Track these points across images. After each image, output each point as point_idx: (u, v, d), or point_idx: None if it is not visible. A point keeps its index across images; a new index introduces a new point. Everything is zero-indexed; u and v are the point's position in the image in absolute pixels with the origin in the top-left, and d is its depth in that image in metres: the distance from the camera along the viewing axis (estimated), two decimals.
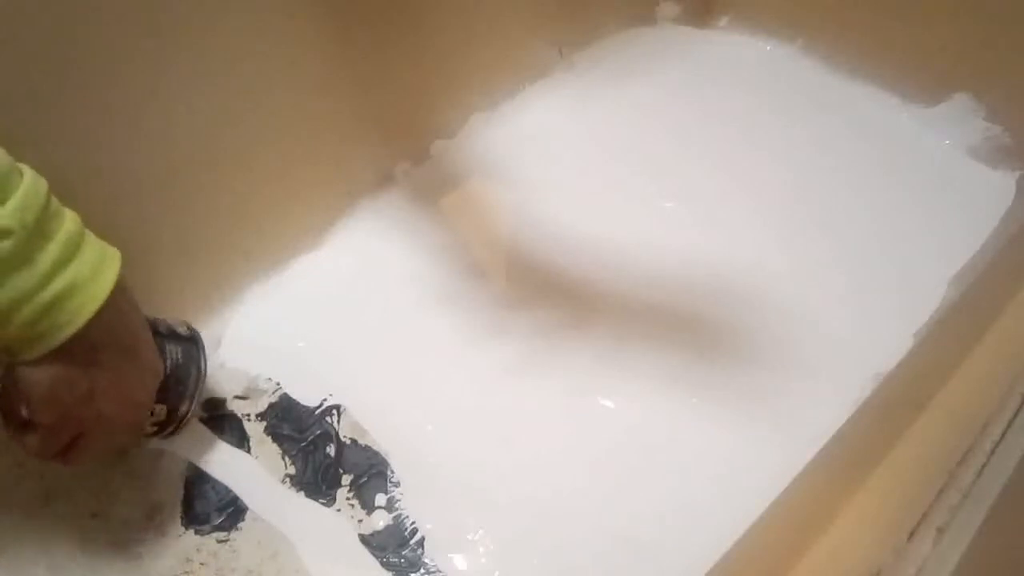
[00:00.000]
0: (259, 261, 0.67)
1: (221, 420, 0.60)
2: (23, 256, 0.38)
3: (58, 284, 0.39)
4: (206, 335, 0.64)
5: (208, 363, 0.56)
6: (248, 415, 0.61)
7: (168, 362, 0.52)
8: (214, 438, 0.59)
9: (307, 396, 0.62)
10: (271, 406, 0.61)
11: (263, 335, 0.65)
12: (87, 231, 0.42)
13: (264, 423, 0.60)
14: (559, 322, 0.66)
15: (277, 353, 0.64)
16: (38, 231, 0.39)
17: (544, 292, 0.68)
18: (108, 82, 0.52)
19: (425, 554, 0.54)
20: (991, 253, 0.68)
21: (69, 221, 0.41)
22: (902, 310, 0.65)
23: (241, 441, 0.59)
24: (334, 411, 0.61)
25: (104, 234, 0.56)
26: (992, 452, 0.37)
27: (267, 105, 0.62)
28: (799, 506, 0.45)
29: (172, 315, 0.64)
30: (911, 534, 0.34)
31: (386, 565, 0.53)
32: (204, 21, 0.55)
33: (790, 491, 0.46)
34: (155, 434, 0.55)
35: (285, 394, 0.62)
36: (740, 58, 0.89)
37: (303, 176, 0.68)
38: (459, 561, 0.53)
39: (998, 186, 0.75)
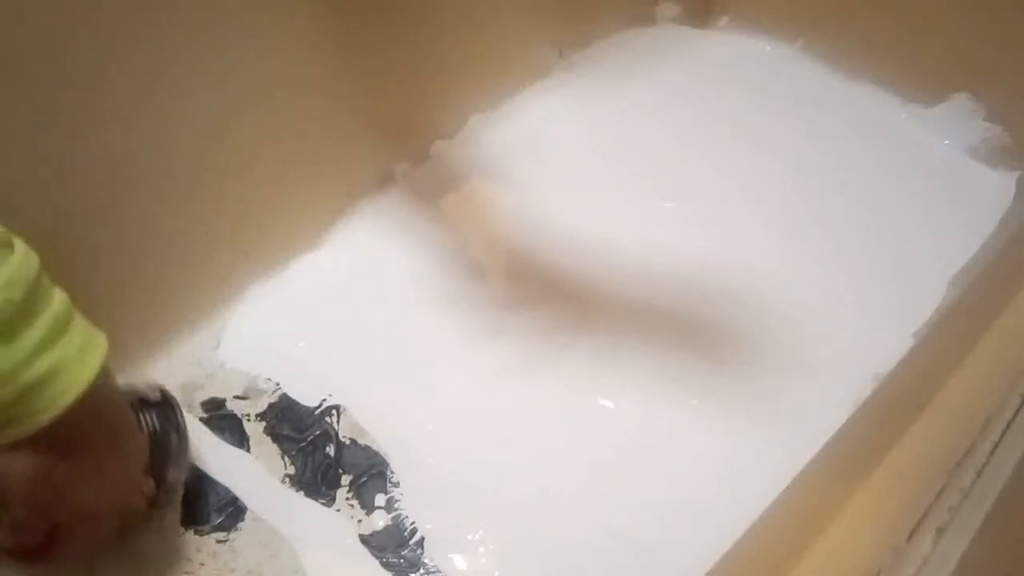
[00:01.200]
0: (259, 261, 0.67)
1: (221, 420, 0.60)
2: (6, 333, 0.36)
3: (41, 366, 0.37)
4: (206, 335, 0.65)
5: (186, 423, 0.53)
6: (248, 415, 0.61)
7: (146, 433, 0.50)
8: (214, 438, 0.59)
9: (307, 396, 0.62)
10: (271, 406, 0.61)
11: (263, 335, 0.65)
12: (75, 312, 0.40)
13: (264, 423, 0.60)
14: (559, 322, 0.66)
15: (277, 353, 0.64)
16: (24, 309, 0.36)
17: (544, 292, 0.68)
18: (108, 82, 0.52)
19: (425, 554, 0.54)
20: (991, 253, 0.68)
21: (57, 301, 0.39)
22: (902, 310, 0.65)
23: (241, 441, 0.59)
24: (334, 411, 0.61)
25: (104, 234, 0.56)
26: (992, 452, 0.37)
27: (267, 105, 0.62)
28: (799, 506, 0.45)
29: (172, 316, 0.64)
30: (911, 534, 0.34)
31: (386, 565, 0.53)
32: (204, 21, 0.55)
33: (790, 491, 0.46)
34: (146, 512, 0.51)
35: (285, 394, 0.62)
36: (740, 58, 0.89)
37: (303, 176, 0.68)
38: (459, 561, 0.53)
39: (998, 186, 0.75)
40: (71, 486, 0.41)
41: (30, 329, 0.36)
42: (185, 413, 0.60)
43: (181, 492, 0.52)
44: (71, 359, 0.38)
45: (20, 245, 0.38)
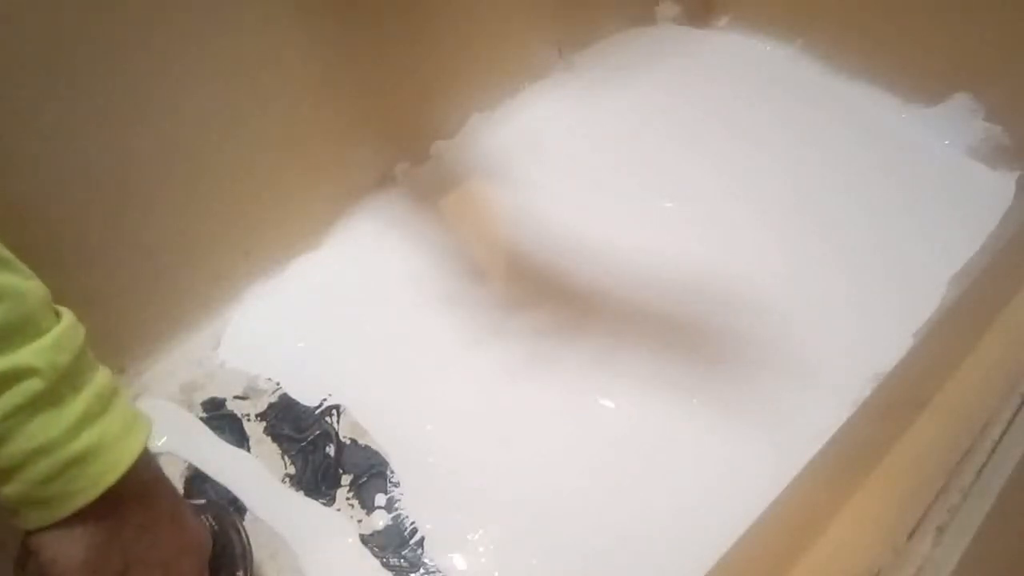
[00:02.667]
0: (259, 261, 0.67)
1: (221, 420, 0.60)
2: (52, 399, 0.34)
3: (84, 440, 0.35)
4: (206, 334, 0.65)
5: (248, 533, 0.50)
6: (248, 415, 0.61)
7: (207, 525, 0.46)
8: (214, 438, 0.59)
9: (307, 396, 0.62)
10: (271, 406, 0.61)
11: (263, 335, 0.65)
12: (119, 389, 0.38)
13: (264, 423, 0.60)
14: (559, 322, 0.66)
15: (277, 353, 0.64)
16: (69, 379, 0.35)
17: (544, 292, 0.68)
18: (108, 83, 0.52)
19: (425, 554, 0.54)
20: (991, 253, 0.68)
21: (101, 375, 0.37)
22: (902, 310, 0.65)
23: (241, 441, 0.59)
24: (334, 411, 0.61)
25: (105, 234, 0.56)
26: (992, 452, 0.37)
27: (267, 105, 0.62)
28: (799, 506, 0.44)
29: (172, 316, 0.64)
30: (911, 534, 0.34)
31: (386, 565, 0.53)
32: (204, 21, 0.55)
33: (790, 491, 0.46)
34: None
35: (285, 394, 0.62)
36: (740, 58, 0.89)
37: (303, 176, 0.68)
38: (459, 561, 0.53)
39: (998, 186, 0.75)
40: (130, 567, 0.38)
41: (76, 400, 0.35)
42: (186, 412, 0.61)
43: None
44: (115, 436, 0.36)
45: (68, 315, 0.37)
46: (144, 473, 0.38)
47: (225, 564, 0.47)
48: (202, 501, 0.52)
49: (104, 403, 0.36)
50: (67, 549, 0.36)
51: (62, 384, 0.35)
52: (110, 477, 0.36)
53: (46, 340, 0.34)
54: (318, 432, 0.60)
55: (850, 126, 0.81)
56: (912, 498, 0.35)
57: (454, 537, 0.54)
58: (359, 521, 0.56)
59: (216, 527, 0.47)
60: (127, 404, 0.38)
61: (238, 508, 0.56)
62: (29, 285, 0.35)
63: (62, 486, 0.35)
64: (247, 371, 0.63)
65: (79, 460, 0.35)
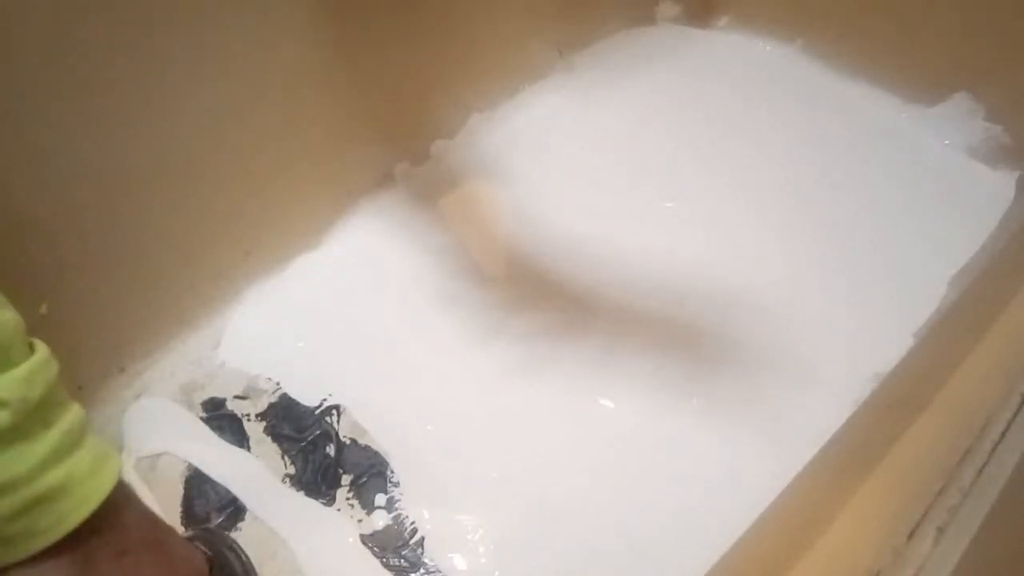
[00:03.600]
0: (259, 261, 0.67)
1: (221, 420, 0.60)
2: (21, 432, 0.33)
3: (51, 478, 0.34)
4: (206, 334, 0.65)
5: (246, 553, 0.49)
6: (248, 415, 0.61)
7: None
8: (214, 438, 0.59)
9: (307, 396, 0.62)
10: (271, 406, 0.61)
11: (263, 335, 0.65)
12: (89, 428, 0.37)
13: (264, 423, 0.60)
14: (559, 322, 0.66)
15: (277, 353, 0.64)
16: (39, 414, 0.34)
17: (544, 292, 0.68)
18: (107, 82, 0.52)
19: (425, 554, 0.54)
20: (991, 253, 0.68)
21: (73, 412, 0.36)
22: (902, 310, 0.65)
23: (241, 441, 0.59)
24: (334, 411, 0.61)
25: (104, 234, 0.56)
26: (992, 452, 0.37)
27: (267, 105, 0.62)
28: (799, 506, 0.44)
29: (172, 316, 0.64)
30: (911, 534, 0.34)
31: (386, 566, 0.53)
32: (203, 21, 0.55)
33: (790, 491, 0.46)
34: None
35: (285, 394, 0.62)
36: (740, 58, 0.89)
37: (303, 176, 0.68)
38: (459, 561, 0.53)
39: (998, 186, 0.75)
40: None
41: (45, 436, 0.34)
42: (186, 412, 0.61)
43: None
44: (84, 474, 0.35)
45: (42, 348, 0.36)
46: (119, 507, 0.37)
47: None
48: (189, 532, 0.51)
49: (74, 440, 0.35)
50: None
51: (31, 419, 0.33)
52: (77, 516, 0.35)
53: (18, 372, 0.33)
54: (318, 432, 0.60)
55: (850, 126, 0.81)
56: (912, 498, 0.35)
57: (454, 537, 0.54)
58: (359, 521, 0.56)
59: (209, 552, 0.46)
60: (97, 441, 0.37)
61: (238, 508, 0.56)
62: (3, 316, 0.34)
63: (26, 524, 0.33)
64: (247, 371, 0.63)
65: (45, 498, 0.34)
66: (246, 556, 0.49)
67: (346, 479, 0.57)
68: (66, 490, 0.34)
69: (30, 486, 0.33)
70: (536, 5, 0.82)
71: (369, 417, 0.60)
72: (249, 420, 0.60)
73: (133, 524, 0.39)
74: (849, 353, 0.63)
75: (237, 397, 0.62)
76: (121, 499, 0.37)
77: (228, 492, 0.56)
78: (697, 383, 0.62)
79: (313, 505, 0.56)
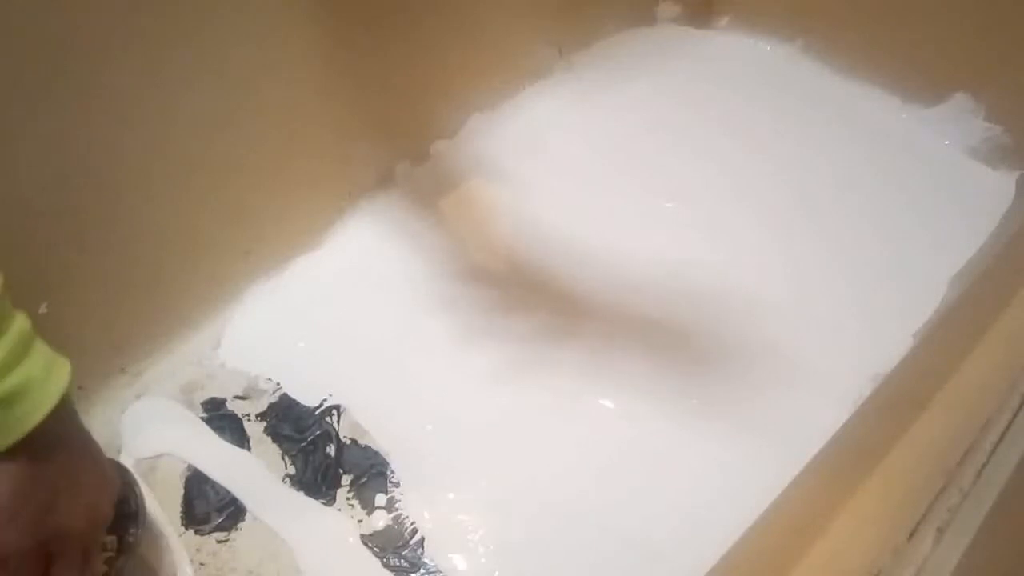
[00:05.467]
0: (259, 261, 0.67)
1: (221, 420, 0.60)
2: None
3: (8, 383, 0.36)
4: (206, 334, 0.65)
5: (141, 485, 0.51)
6: (248, 415, 0.61)
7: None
8: (214, 438, 0.59)
9: (307, 396, 0.62)
10: (271, 406, 0.61)
11: (263, 335, 0.65)
12: (37, 336, 0.38)
13: (264, 423, 0.60)
14: (559, 322, 0.66)
15: (277, 353, 0.64)
16: None
17: (544, 292, 0.68)
18: (106, 81, 0.52)
19: (425, 554, 0.54)
20: (991, 253, 0.68)
21: (20, 322, 0.37)
22: (902, 310, 0.65)
23: (241, 441, 0.59)
24: (334, 411, 0.61)
25: (105, 235, 0.56)
26: (992, 452, 0.37)
27: (267, 105, 0.62)
28: (799, 506, 0.44)
29: (172, 316, 0.64)
30: (911, 534, 0.34)
31: (386, 566, 0.53)
32: (203, 20, 0.55)
33: (790, 491, 0.46)
34: (108, 566, 0.48)
35: (285, 394, 0.62)
36: (740, 58, 0.89)
37: (303, 176, 0.68)
38: (459, 561, 0.53)
39: (998, 186, 0.75)
40: (53, 506, 0.39)
41: None
42: (186, 413, 0.61)
43: (135, 552, 0.50)
44: (36, 380, 0.37)
45: None
46: (64, 414, 0.39)
47: (119, 518, 0.47)
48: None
49: (25, 347, 0.37)
50: None
51: None
52: (35, 417, 0.37)
53: None
54: (318, 432, 0.60)
55: (850, 126, 0.81)
56: (912, 498, 0.35)
57: (454, 537, 0.55)
58: (359, 521, 0.56)
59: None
60: (45, 349, 0.39)
61: (238, 508, 0.56)
62: None
63: None
64: (247, 371, 0.63)
65: (4, 402, 0.36)
66: (142, 501, 0.50)
67: (346, 479, 0.57)
68: (24, 393, 0.36)
69: None
70: (536, 5, 0.82)
71: (369, 417, 0.60)
72: (249, 420, 0.60)
73: (77, 431, 0.42)
74: (849, 353, 0.63)
75: (237, 397, 0.62)
76: (66, 405, 0.39)
77: (228, 492, 0.56)
78: (697, 383, 0.62)
79: (313, 505, 0.56)
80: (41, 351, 0.38)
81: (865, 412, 0.54)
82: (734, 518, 0.45)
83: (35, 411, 0.37)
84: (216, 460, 0.58)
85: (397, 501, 0.56)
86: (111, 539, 0.48)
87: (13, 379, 0.36)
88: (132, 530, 0.49)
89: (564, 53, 0.86)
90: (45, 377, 0.38)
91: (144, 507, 0.50)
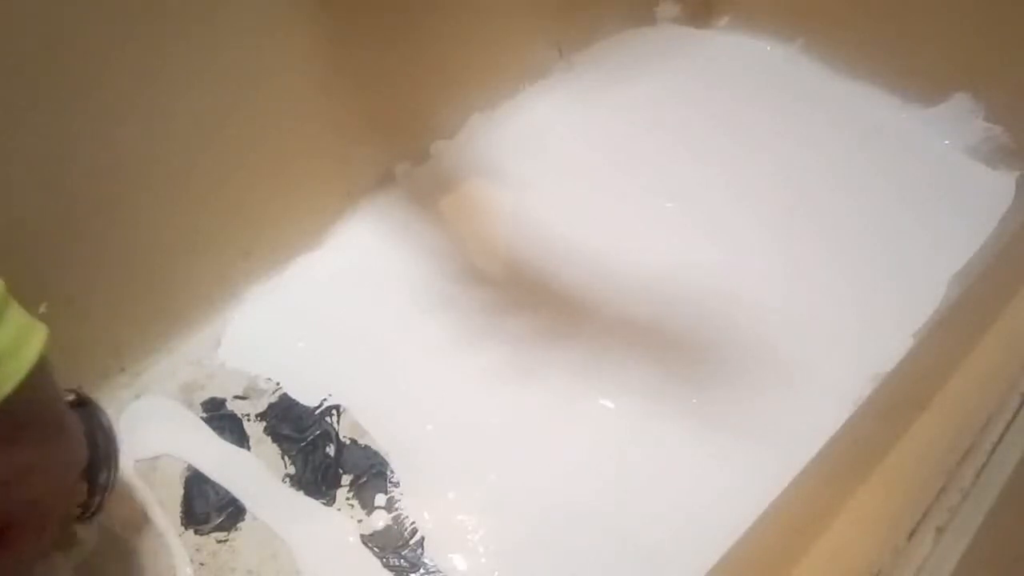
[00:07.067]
0: (259, 261, 0.67)
1: (221, 420, 0.60)
2: None
3: None
4: (206, 334, 0.65)
5: (112, 425, 0.49)
6: (248, 415, 0.61)
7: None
8: (214, 438, 0.59)
9: (307, 396, 0.62)
10: (271, 406, 0.61)
11: (263, 335, 0.65)
12: (11, 300, 0.37)
13: (264, 423, 0.60)
14: (559, 322, 0.66)
15: (277, 353, 0.64)
16: None
17: (545, 292, 0.68)
18: (105, 80, 0.52)
19: (425, 554, 0.54)
20: (991, 253, 0.68)
21: None
22: (902, 310, 0.65)
23: (241, 441, 0.59)
24: (334, 411, 0.61)
25: (104, 234, 0.56)
26: (992, 452, 0.37)
27: (266, 104, 0.62)
28: (799, 506, 0.44)
29: (173, 316, 0.64)
30: (911, 534, 0.34)
31: (386, 566, 0.53)
32: (202, 19, 0.55)
33: (790, 491, 0.46)
34: (80, 517, 0.48)
35: (285, 394, 0.62)
36: (740, 58, 0.89)
37: (303, 176, 0.68)
38: (459, 561, 0.53)
39: (998, 186, 0.75)
40: (18, 477, 0.38)
41: None
42: (186, 412, 0.61)
43: (110, 493, 0.49)
44: (8, 348, 0.36)
45: None
46: (39, 382, 0.37)
47: (90, 464, 0.46)
48: (71, 397, 0.49)
49: None
50: None
51: None
52: (7, 386, 0.35)
53: None
54: (318, 432, 0.60)
55: (850, 126, 0.81)
56: (912, 498, 0.35)
57: (454, 537, 0.54)
58: (359, 521, 0.56)
59: (83, 428, 0.46)
60: (20, 314, 0.37)
61: (238, 508, 0.56)
62: None
63: None
64: (247, 371, 0.63)
65: None
66: (113, 440, 0.49)
67: (346, 479, 0.57)
68: None
69: None
70: (536, 5, 0.82)
71: (369, 417, 0.60)
72: (249, 420, 0.60)
73: (49, 400, 0.40)
74: (849, 353, 0.63)
75: (237, 397, 0.62)
76: (46, 373, 0.38)
77: (228, 492, 0.56)
78: (696, 383, 0.62)
79: (313, 505, 0.56)
80: (15, 318, 0.36)
81: (865, 412, 0.54)
82: (734, 518, 0.45)
83: (7, 380, 0.35)
84: (216, 460, 0.58)
85: (397, 501, 0.56)
86: (81, 486, 0.47)
87: None
88: (103, 473, 0.48)
89: (564, 53, 0.86)
90: (16, 346, 0.36)
91: (115, 447, 0.49)
